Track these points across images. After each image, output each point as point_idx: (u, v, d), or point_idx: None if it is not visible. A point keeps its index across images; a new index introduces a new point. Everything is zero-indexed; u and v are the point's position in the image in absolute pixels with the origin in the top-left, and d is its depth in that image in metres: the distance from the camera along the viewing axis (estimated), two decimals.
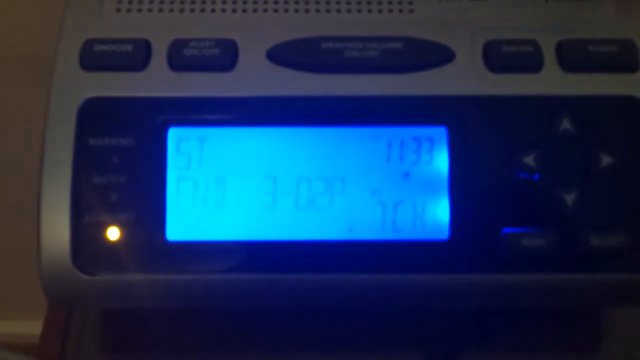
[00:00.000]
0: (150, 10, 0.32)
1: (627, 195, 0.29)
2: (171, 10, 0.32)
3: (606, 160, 0.29)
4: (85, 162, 0.29)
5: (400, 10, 0.32)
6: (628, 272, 0.29)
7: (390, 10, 0.32)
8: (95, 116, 0.30)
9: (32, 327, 0.36)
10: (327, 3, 0.32)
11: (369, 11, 0.32)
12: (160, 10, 0.32)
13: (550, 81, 0.30)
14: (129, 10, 0.32)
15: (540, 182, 0.29)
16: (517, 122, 0.30)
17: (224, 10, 0.32)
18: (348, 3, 0.32)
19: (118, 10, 0.32)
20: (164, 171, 0.30)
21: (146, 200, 0.29)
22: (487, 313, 0.35)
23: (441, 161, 0.30)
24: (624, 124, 0.30)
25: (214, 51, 0.31)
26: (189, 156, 0.30)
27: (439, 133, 0.30)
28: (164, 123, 0.30)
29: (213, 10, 0.32)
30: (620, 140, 0.30)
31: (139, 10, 0.32)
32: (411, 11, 0.32)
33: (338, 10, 0.32)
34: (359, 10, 0.32)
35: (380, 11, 0.32)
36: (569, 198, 0.29)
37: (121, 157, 0.30)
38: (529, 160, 0.29)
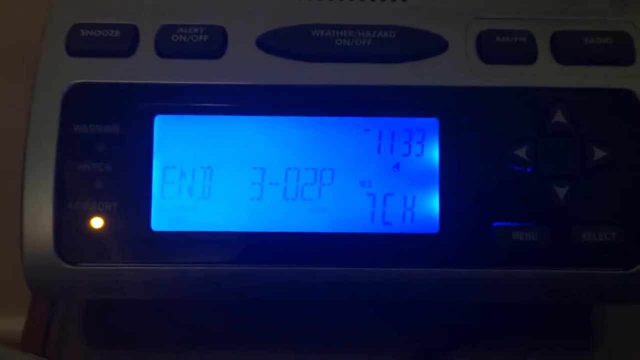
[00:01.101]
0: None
1: (620, 189, 0.29)
2: None
3: (599, 153, 0.29)
4: (70, 149, 0.29)
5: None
6: (619, 267, 0.29)
7: None
8: (80, 102, 0.29)
9: (13, 324, 0.35)
10: None
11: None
12: None
13: (544, 73, 0.30)
14: None
15: (532, 175, 0.29)
16: (509, 114, 0.29)
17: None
18: None
19: None
20: (150, 159, 0.29)
21: (131, 189, 0.29)
22: (478, 308, 0.34)
23: (432, 153, 0.29)
24: (617, 117, 0.29)
25: (203, 38, 0.30)
26: (176, 145, 0.29)
27: (431, 124, 0.29)
28: (151, 110, 0.29)
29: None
30: (614, 134, 0.29)
31: None
32: (404, 0, 0.31)
33: (327, 3, 0.32)
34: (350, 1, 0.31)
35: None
36: (561, 192, 0.29)
37: (106, 144, 0.29)
38: (522, 153, 0.29)
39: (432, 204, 0.29)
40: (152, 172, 0.29)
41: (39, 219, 0.28)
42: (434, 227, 0.29)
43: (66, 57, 0.30)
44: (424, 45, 0.30)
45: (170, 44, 0.30)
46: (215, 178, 0.29)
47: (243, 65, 0.30)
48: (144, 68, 0.30)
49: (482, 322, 0.35)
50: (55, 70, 0.30)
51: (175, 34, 0.30)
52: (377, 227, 0.29)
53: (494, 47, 0.30)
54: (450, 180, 0.29)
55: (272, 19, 0.31)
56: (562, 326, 0.35)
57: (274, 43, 0.30)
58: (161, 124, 0.29)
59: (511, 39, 0.30)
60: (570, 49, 0.30)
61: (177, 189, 0.29)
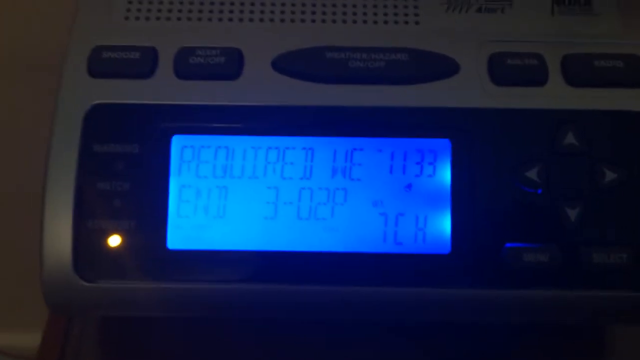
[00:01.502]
0: (158, 18, 0.32)
1: (631, 211, 0.29)
2: (179, 18, 0.32)
3: (610, 175, 0.29)
4: (90, 168, 0.30)
5: (406, 22, 0.32)
6: (631, 289, 0.29)
7: (396, 22, 0.32)
8: (100, 122, 0.30)
9: (30, 340, 0.36)
10: (333, 13, 0.32)
11: (375, 22, 0.32)
12: (168, 18, 0.32)
13: (555, 95, 0.30)
14: (137, 18, 0.32)
15: (543, 196, 0.29)
16: (521, 135, 0.30)
17: (230, 19, 0.32)
18: (354, 13, 0.32)
19: (127, 18, 0.32)
20: (167, 179, 0.30)
21: (148, 207, 0.29)
22: (490, 328, 0.34)
23: (444, 174, 0.30)
24: (628, 139, 0.30)
25: (220, 60, 0.31)
26: (192, 164, 0.30)
27: (443, 145, 0.30)
28: (168, 130, 0.30)
29: (220, 19, 0.32)
30: (625, 156, 0.29)
31: (147, 18, 0.32)
32: (417, 22, 0.32)
33: (344, 21, 0.32)
34: (365, 21, 0.32)
35: (385, 22, 0.32)
36: (572, 213, 0.29)
37: (125, 163, 0.30)
38: (533, 174, 0.29)
39: (444, 224, 0.29)
40: (168, 190, 0.30)
41: (59, 235, 0.29)
42: (446, 247, 0.29)
43: (88, 78, 0.31)
44: (436, 67, 0.31)
45: (188, 66, 0.31)
46: (230, 197, 0.30)
47: (259, 86, 0.31)
48: (163, 89, 0.31)
49: (493, 340, 0.35)
50: (76, 90, 0.31)
51: (193, 56, 0.31)
52: (389, 247, 0.29)
53: (505, 70, 0.30)
54: (462, 200, 0.29)
55: (287, 41, 0.31)
56: (574, 346, 0.35)
57: (289, 65, 0.31)
58: (178, 143, 0.30)
59: (522, 62, 0.30)
60: (580, 71, 0.30)
61: (192, 207, 0.30)
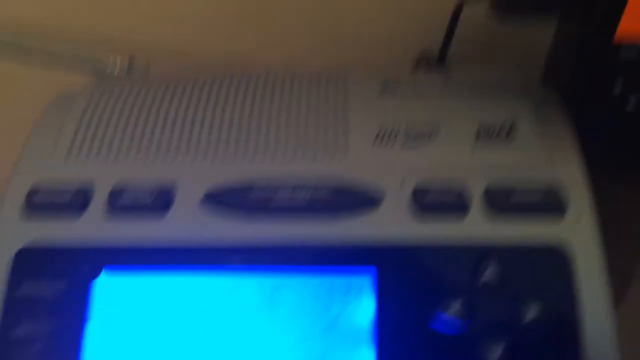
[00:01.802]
0: (97, 155, 0.33)
1: (554, 346, 0.28)
2: (117, 154, 0.33)
3: (533, 310, 0.28)
4: (13, 311, 0.29)
5: (333, 153, 0.33)
6: None
7: (323, 153, 0.33)
8: (28, 264, 0.30)
9: None
10: (264, 146, 0.33)
11: (303, 154, 0.33)
12: (107, 155, 0.33)
13: (477, 228, 0.30)
14: (77, 156, 0.33)
15: (465, 333, 0.29)
16: (443, 270, 0.29)
17: (165, 155, 0.33)
18: (284, 146, 0.33)
19: (68, 155, 0.33)
20: (85, 322, 0.29)
21: (66, 352, 0.29)
22: None
23: (367, 309, 0.29)
24: (550, 272, 0.29)
25: (149, 198, 0.31)
26: (114, 306, 0.30)
27: (365, 280, 0.30)
28: (91, 272, 0.30)
29: (155, 155, 0.33)
30: (547, 289, 0.29)
31: (87, 155, 0.33)
32: (343, 155, 0.33)
33: (274, 155, 0.33)
34: (294, 154, 0.33)
35: (313, 154, 0.33)
36: (495, 350, 0.28)
37: (49, 306, 0.29)
38: (455, 310, 0.29)
39: None
40: (86, 335, 0.29)
41: None
42: None
43: (21, 218, 0.31)
44: (359, 201, 0.31)
45: (118, 204, 0.31)
46: (154, 338, 0.29)
47: (185, 224, 0.31)
48: (91, 229, 0.31)
49: None
50: (9, 231, 0.31)
51: (124, 194, 0.31)
52: None
53: (427, 203, 0.31)
54: (385, 337, 0.29)
55: (217, 177, 0.32)
56: None
57: (216, 202, 0.31)
58: (100, 286, 0.30)
59: (444, 195, 0.31)
60: (502, 203, 0.30)
61: (111, 351, 0.29)
